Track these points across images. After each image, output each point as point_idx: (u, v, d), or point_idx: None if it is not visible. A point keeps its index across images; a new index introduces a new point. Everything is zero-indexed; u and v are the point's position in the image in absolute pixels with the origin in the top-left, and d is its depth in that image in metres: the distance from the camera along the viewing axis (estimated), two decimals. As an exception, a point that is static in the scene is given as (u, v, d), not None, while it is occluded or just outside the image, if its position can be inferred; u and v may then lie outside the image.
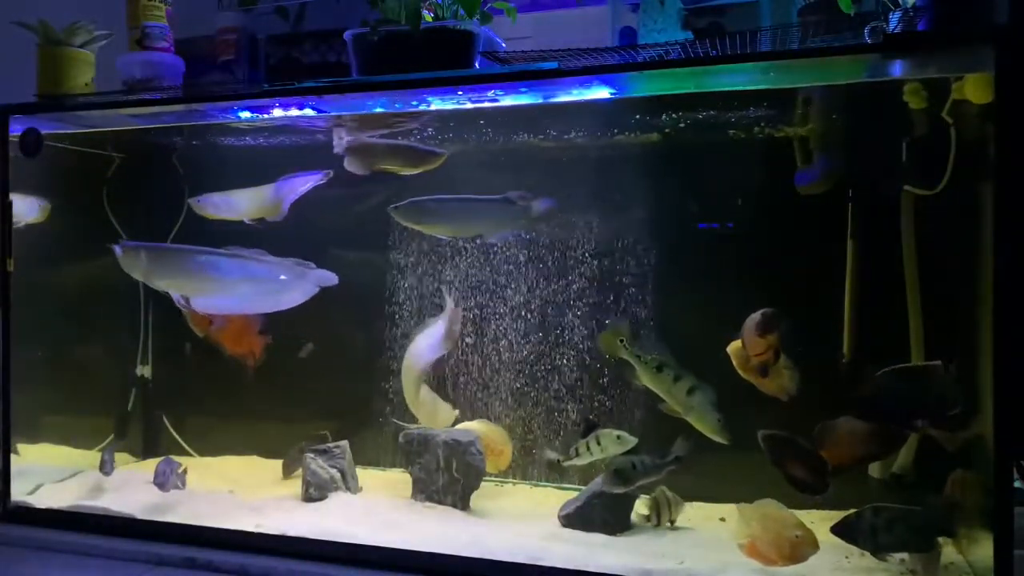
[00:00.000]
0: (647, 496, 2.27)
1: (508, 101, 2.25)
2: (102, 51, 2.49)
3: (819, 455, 1.97)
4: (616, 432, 2.23)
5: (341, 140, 2.56)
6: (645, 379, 2.19)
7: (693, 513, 2.35)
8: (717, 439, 2.10)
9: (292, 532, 2.20)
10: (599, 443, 2.22)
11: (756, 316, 2.05)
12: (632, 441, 2.21)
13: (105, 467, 2.53)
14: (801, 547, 1.89)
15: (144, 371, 2.99)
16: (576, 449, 2.26)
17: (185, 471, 2.47)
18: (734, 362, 2.10)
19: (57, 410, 2.78)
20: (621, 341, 2.22)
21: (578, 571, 1.95)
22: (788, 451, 1.99)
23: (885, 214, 2.21)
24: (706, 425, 2.10)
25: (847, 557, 1.97)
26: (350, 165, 2.54)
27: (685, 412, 2.13)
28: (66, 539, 2.28)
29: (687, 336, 2.32)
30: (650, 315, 2.46)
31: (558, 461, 2.32)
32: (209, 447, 2.95)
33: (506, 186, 2.41)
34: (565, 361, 2.57)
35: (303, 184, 2.59)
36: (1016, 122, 1.68)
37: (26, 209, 2.57)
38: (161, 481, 2.41)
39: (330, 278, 2.45)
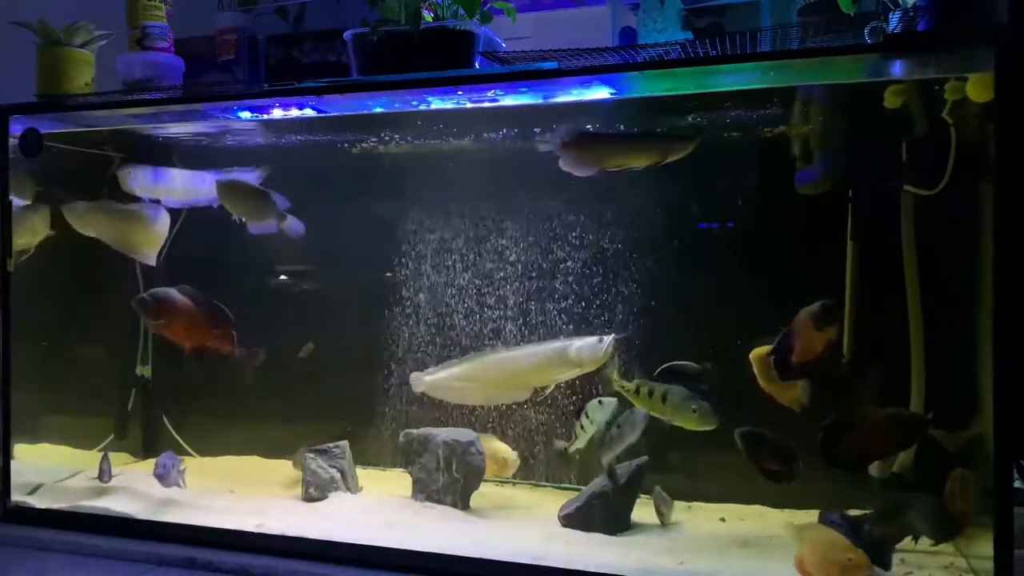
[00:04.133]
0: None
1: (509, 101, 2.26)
2: (102, 51, 2.50)
3: (789, 447, 1.99)
4: (597, 399, 2.29)
5: (554, 137, 2.21)
6: (636, 404, 2.22)
7: (693, 513, 2.35)
8: (704, 428, 2.10)
9: (292, 532, 2.20)
10: (588, 416, 2.28)
11: (814, 308, 1.95)
12: (612, 402, 2.26)
13: (103, 476, 2.54)
14: (853, 571, 1.80)
15: (144, 371, 2.99)
16: (575, 432, 2.31)
17: (184, 469, 2.49)
18: (755, 369, 2.07)
19: (57, 410, 2.78)
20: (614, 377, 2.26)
21: (578, 571, 1.95)
22: (762, 446, 2.01)
23: (885, 214, 2.21)
24: (685, 421, 2.11)
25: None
26: (567, 165, 2.20)
27: (670, 418, 2.14)
28: (66, 539, 2.28)
29: (692, 346, 2.32)
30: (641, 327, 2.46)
31: (565, 449, 2.37)
32: (209, 447, 2.95)
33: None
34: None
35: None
36: (1016, 122, 1.68)
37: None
38: (161, 473, 2.41)
39: None
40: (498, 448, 2.48)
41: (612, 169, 2.20)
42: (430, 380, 2.45)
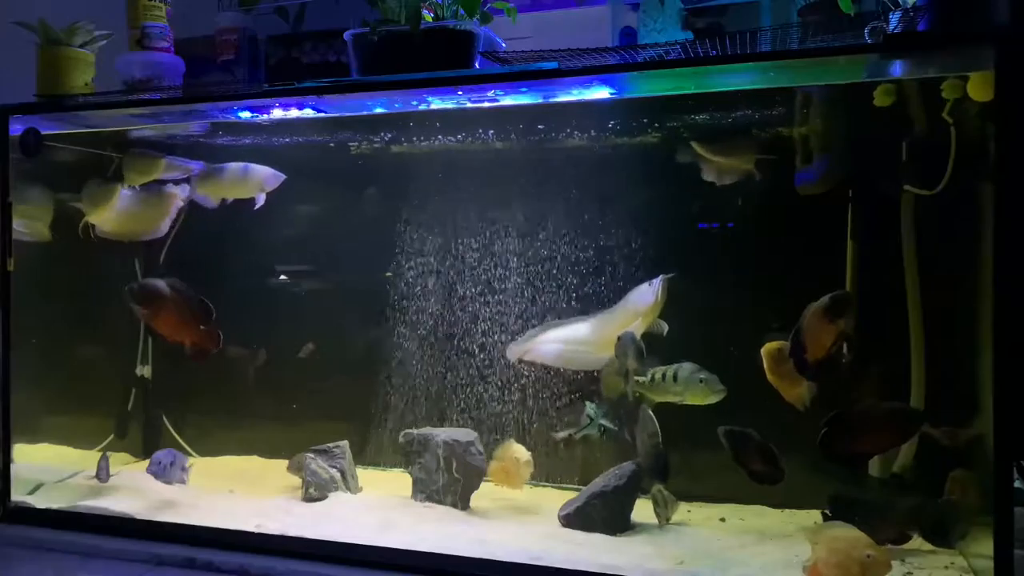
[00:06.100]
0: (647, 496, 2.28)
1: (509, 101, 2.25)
2: (102, 51, 2.50)
3: (771, 447, 1.99)
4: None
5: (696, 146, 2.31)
6: (652, 395, 2.21)
7: (693, 513, 2.35)
8: (715, 399, 2.10)
9: (292, 532, 2.20)
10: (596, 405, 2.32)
11: (824, 300, 1.95)
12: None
13: (101, 474, 2.54)
14: (874, 568, 1.71)
15: (144, 371, 2.99)
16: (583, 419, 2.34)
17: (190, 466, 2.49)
18: (765, 364, 2.07)
19: (57, 410, 2.78)
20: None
21: (578, 571, 1.95)
22: (746, 446, 2.01)
23: (885, 214, 2.21)
24: (696, 396, 2.12)
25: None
26: (710, 174, 2.36)
27: (681, 397, 2.14)
28: (66, 539, 2.28)
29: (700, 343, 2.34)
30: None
31: (570, 436, 2.41)
32: (209, 447, 2.95)
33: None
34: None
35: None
36: (1016, 122, 1.68)
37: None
38: (156, 471, 2.41)
39: None
40: (515, 450, 2.46)
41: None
42: (523, 348, 2.53)
